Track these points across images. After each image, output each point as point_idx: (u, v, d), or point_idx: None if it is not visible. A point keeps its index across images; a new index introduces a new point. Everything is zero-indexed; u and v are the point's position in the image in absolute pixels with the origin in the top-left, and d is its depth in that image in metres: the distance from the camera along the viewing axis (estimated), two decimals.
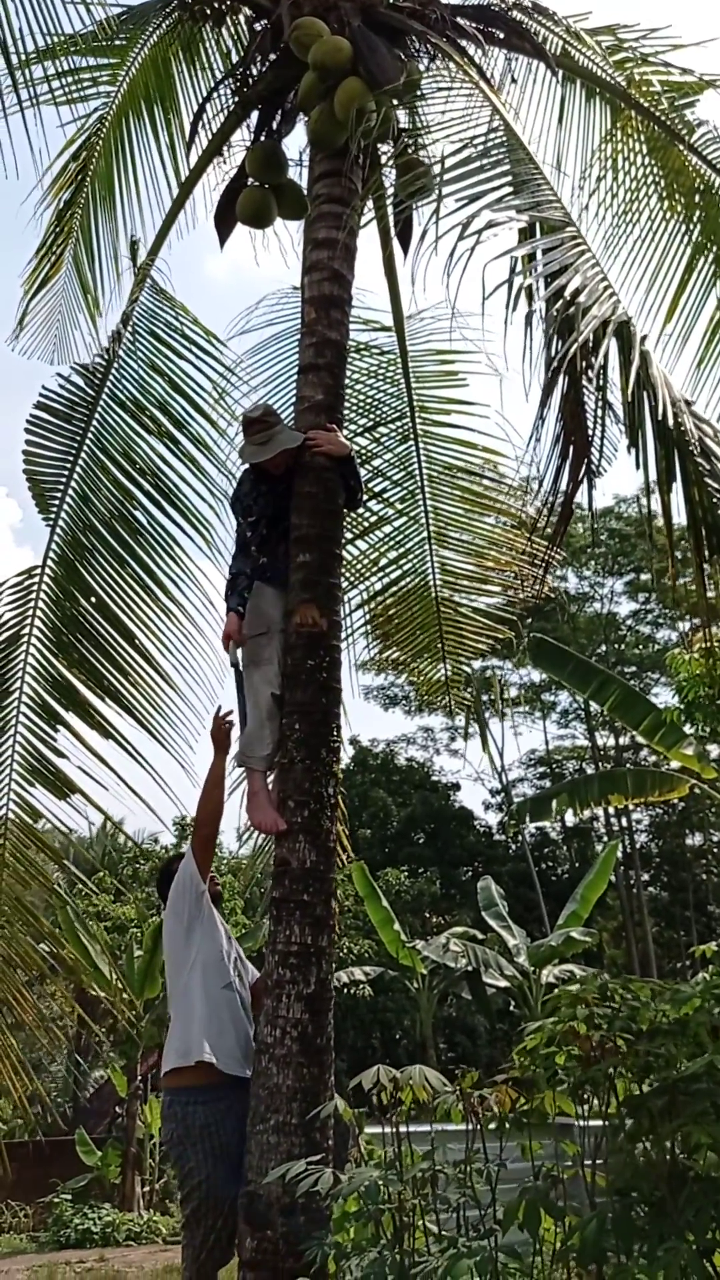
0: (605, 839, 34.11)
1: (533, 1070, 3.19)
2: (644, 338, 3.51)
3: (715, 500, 3.43)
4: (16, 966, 5.37)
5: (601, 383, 4.11)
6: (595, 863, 19.82)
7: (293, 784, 4.29)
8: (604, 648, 36.22)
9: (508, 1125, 3.17)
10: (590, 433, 4.23)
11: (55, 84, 5.84)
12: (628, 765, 28.79)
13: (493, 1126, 3.20)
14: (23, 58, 4.52)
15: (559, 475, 4.34)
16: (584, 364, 3.87)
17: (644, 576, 35.63)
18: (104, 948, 15.74)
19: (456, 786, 40.67)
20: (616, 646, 37.05)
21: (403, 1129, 3.36)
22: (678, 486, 3.67)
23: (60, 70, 5.87)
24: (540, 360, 3.92)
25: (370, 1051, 26.66)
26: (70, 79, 5.98)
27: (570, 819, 36.27)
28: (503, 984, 18.27)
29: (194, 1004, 4.19)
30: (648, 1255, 2.48)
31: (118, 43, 6.05)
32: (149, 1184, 16.54)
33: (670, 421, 3.23)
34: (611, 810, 33.82)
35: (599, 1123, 3.05)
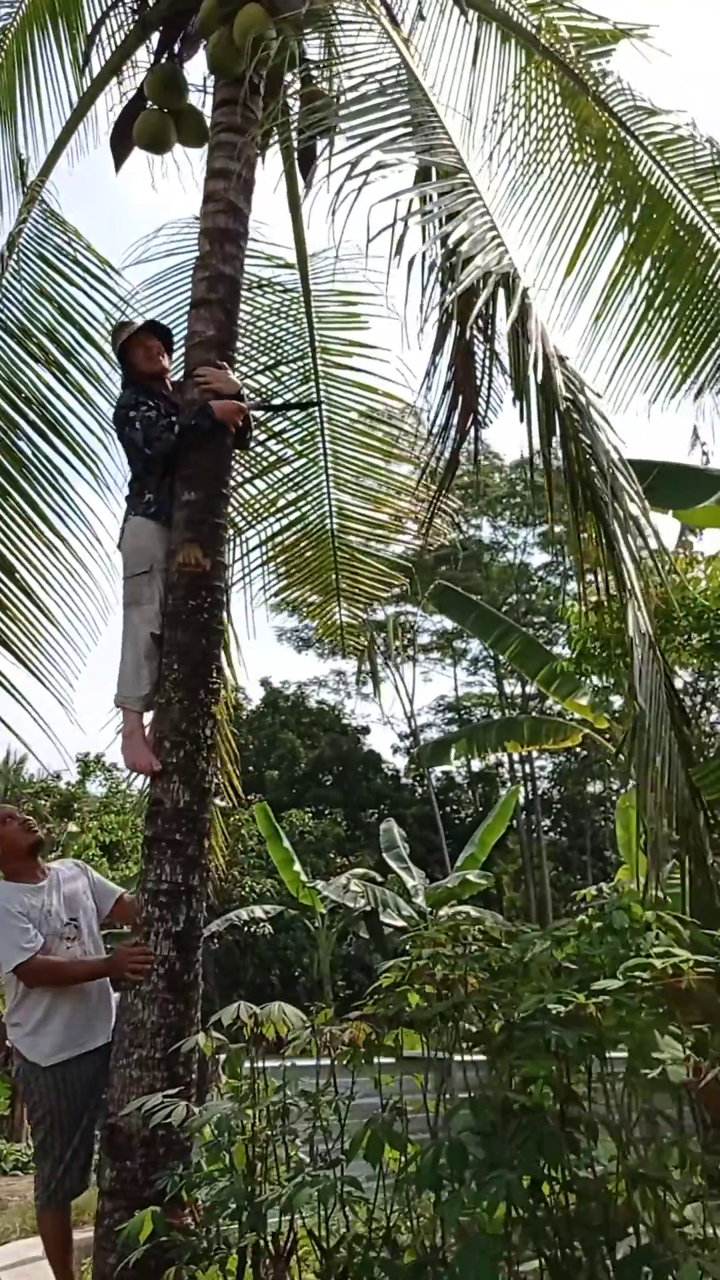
0: (509, 784, 34.83)
1: (387, 1007, 3.27)
2: (526, 290, 3.50)
3: (587, 456, 3.46)
4: None
5: (490, 333, 4.11)
6: (495, 807, 20.25)
7: (169, 725, 4.27)
8: (514, 598, 36.68)
9: (363, 1060, 3.26)
10: (478, 383, 4.23)
11: None
12: (532, 714, 29.32)
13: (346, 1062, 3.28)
14: None
15: (449, 423, 4.33)
16: (471, 314, 3.85)
17: (558, 529, 36.02)
18: None
19: (366, 730, 41.11)
20: (527, 597, 37.55)
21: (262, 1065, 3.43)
22: (557, 441, 3.70)
23: None
24: (435, 307, 3.90)
25: (269, 988, 27.05)
26: None
27: (476, 765, 37.02)
28: (400, 924, 18.64)
29: (27, 1009, 4.19)
30: (478, 1184, 2.58)
31: None
32: None
33: (541, 376, 3.25)
34: (516, 757, 34.50)
35: (444, 1056, 3.14)
